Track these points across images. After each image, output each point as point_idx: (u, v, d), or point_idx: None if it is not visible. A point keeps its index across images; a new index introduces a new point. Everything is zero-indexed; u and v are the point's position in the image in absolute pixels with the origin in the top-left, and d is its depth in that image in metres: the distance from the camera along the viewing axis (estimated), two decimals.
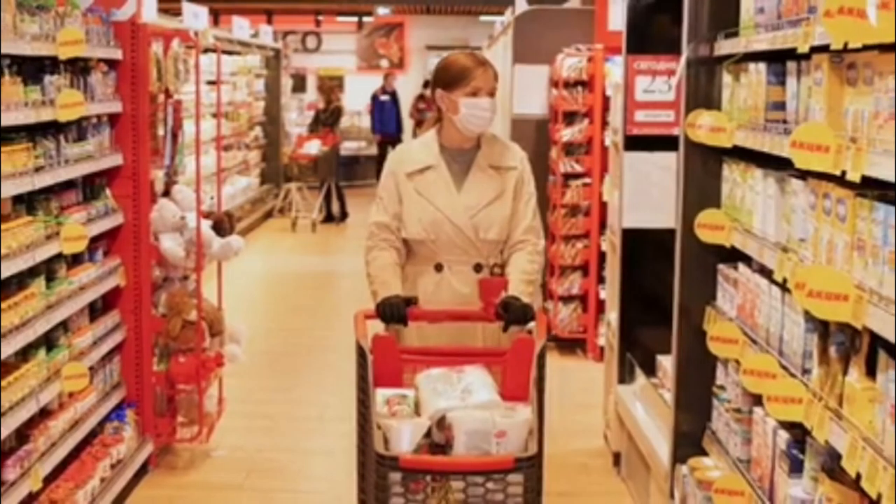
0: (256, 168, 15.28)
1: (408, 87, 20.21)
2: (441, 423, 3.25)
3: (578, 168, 7.88)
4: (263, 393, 7.02)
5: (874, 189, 2.61)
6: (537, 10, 8.45)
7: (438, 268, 3.96)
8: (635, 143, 5.31)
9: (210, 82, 9.87)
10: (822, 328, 2.93)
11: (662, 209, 4.72)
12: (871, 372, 2.64)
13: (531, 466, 3.09)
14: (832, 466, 2.91)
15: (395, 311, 3.72)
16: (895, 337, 2.35)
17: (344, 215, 15.08)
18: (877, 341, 2.60)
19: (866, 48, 2.54)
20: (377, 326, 3.76)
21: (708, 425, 4.06)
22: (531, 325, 3.73)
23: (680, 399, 4.23)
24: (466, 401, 3.29)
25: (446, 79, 3.95)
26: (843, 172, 2.63)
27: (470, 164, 4.01)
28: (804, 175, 3.06)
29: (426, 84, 20.52)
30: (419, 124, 18.85)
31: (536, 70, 8.33)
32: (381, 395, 3.37)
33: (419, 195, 3.96)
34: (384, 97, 18.68)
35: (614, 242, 5.70)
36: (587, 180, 7.84)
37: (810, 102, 3.01)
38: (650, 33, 5.28)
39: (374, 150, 19.23)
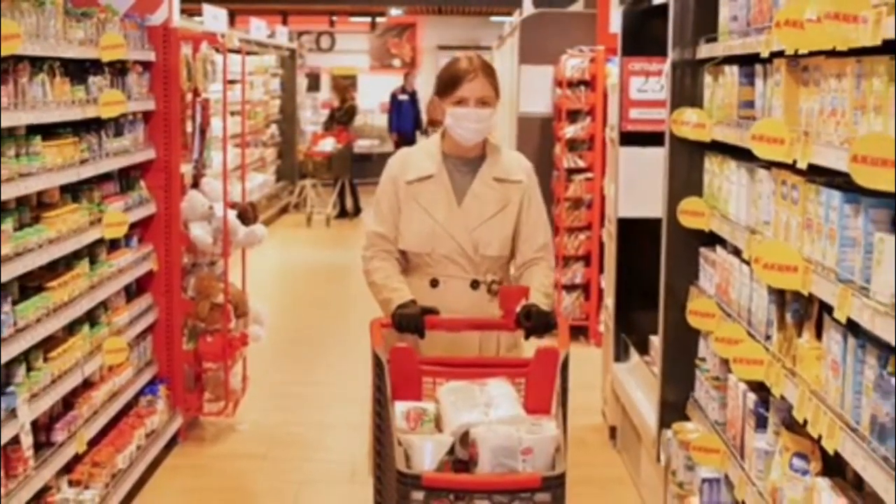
0: (272, 165, 15.71)
1: (419, 87, 20.59)
2: (464, 438, 3.12)
3: (581, 163, 8.30)
4: (284, 373, 7.46)
5: (824, 175, 3.02)
6: (542, 14, 8.87)
7: (434, 283, 3.80)
8: (630, 138, 5.72)
9: (230, 81, 10.27)
10: (781, 298, 3.34)
11: (655, 200, 5.11)
12: (820, 334, 3.05)
13: (559, 485, 2.94)
14: (790, 421, 3.32)
15: (411, 321, 3.58)
16: (833, 302, 2.76)
17: (357, 210, 15.49)
18: (824, 308, 3.00)
19: (814, 53, 2.95)
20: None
21: (691, 394, 4.47)
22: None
23: (666, 371, 4.64)
24: (489, 415, 3.15)
25: (439, 85, 3.84)
26: (795, 161, 3.05)
27: (473, 175, 3.83)
28: (769, 165, 3.47)
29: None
30: (432, 123, 19.28)
31: (541, 70, 8.74)
32: (399, 408, 3.21)
33: (418, 205, 3.80)
34: (403, 96, 19.01)
35: (611, 231, 6.11)
36: (589, 175, 8.26)
37: (773, 101, 3.42)
38: (644, 37, 5.66)
39: (386, 148, 19.62)
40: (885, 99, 2.47)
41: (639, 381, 5.47)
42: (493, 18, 20.00)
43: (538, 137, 8.72)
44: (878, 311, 2.47)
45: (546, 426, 3.13)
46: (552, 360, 3.36)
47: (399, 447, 3.03)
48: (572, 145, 8.36)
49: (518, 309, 3.57)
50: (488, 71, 3.81)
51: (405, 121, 18.88)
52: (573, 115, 8.35)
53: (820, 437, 2.84)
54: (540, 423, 3.15)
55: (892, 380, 2.46)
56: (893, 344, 2.39)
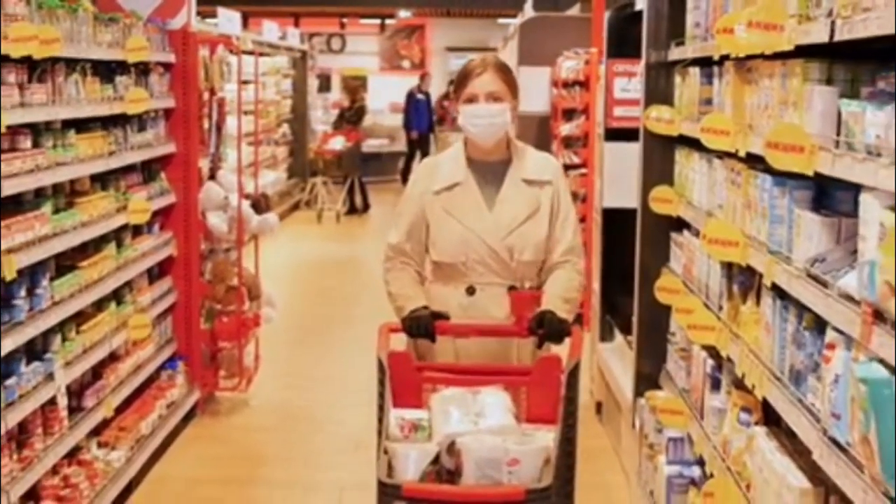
0: (284, 163, 16.17)
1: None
2: (451, 448, 3.05)
3: (576, 159, 8.74)
4: (295, 355, 7.94)
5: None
6: (541, 17, 9.33)
7: (470, 291, 3.72)
8: (614, 134, 6.16)
9: (244, 82, 10.74)
10: (729, 272, 3.79)
11: (636, 191, 5.56)
12: (759, 302, 3.50)
13: (545, 499, 2.85)
14: (739, 382, 3.76)
15: (421, 326, 3.54)
16: (763, 270, 3.21)
17: (366, 207, 15.94)
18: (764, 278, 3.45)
19: (752, 56, 3.40)
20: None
21: (664, 366, 4.92)
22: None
23: (640, 345, 5.09)
24: (479, 424, 3.09)
25: (455, 86, 3.82)
26: (737, 150, 3.49)
27: (501, 179, 3.75)
28: (723, 156, 3.91)
29: (451, 83, 21.35)
30: (441, 121, 19.73)
31: (539, 71, 9.20)
32: (394, 416, 3.18)
33: (448, 215, 3.71)
34: (420, 96, 19.41)
35: (597, 221, 6.55)
36: (583, 170, 8.68)
37: (725, 98, 3.87)
38: (627, 40, 6.08)
39: (395, 148, 20.08)
40: (800, 95, 2.92)
41: (621, 359, 5.92)
42: (500, 20, 20.41)
43: (536, 135, 9.17)
44: (794, 276, 2.92)
45: (538, 437, 3.05)
46: (555, 367, 3.30)
47: (384, 456, 2.99)
48: (568, 142, 8.82)
49: (530, 315, 3.51)
50: (500, 67, 3.76)
51: (422, 120, 19.22)
52: (568, 114, 8.81)
53: (754, 387, 3.29)
54: (531, 433, 3.09)
55: (806, 333, 2.90)
56: (807, 303, 2.84)
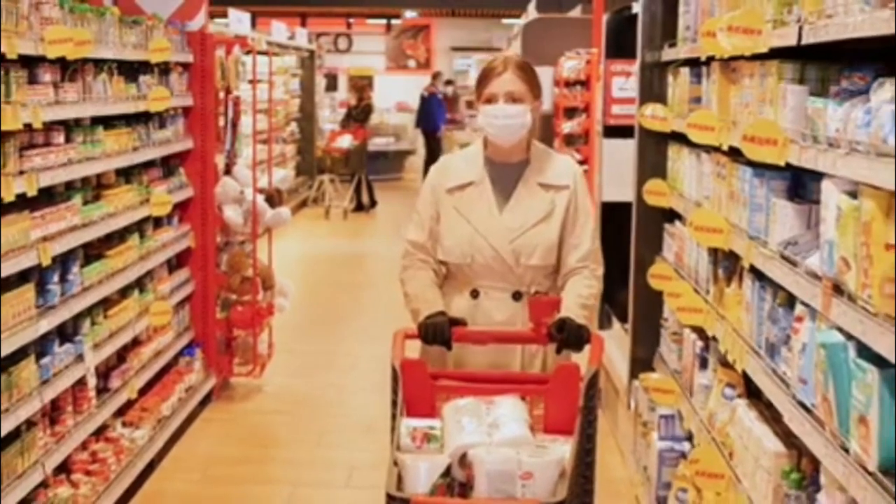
0: (292, 161, 16.47)
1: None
2: (463, 460, 2.95)
3: (577, 156, 9.00)
4: (307, 344, 8.24)
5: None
6: (544, 19, 9.61)
7: (474, 294, 3.66)
8: (612, 131, 6.45)
9: (256, 81, 11.03)
10: (715, 258, 4.07)
11: (632, 185, 5.85)
12: (742, 285, 3.78)
13: None
14: (725, 360, 4.05)
15: (438, 332, 3.43)
16: (743, 253, 3.49)
17: (373, 204, 16.22)
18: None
19: (736, 58, 3.68)
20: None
21: (657, 350, 5.21)
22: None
23: (635, 330, 5.38)
24: (493, 436, 2.98)
25: (476, 85, 3.75)
26: (721, 145, 3.78)
27: (517, 181, 3.68)
28: (710, 150, 4.19)
29: (448, 82, 21.60)
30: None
31: (542, 71, 9.30)
32: (405, 425, 3.07)
33: (458, 214, 3.65)
34: (436, 95, 19.63)
35: (596, 215, 6.83)
36: (585, 167, 8.97)
37: (711, 96, 4.15)
38: (625, 41, 6.37)
39: (401, 146, 20.39)
40: (775, 93, 3.20)
41: (619, 345, 6.20)
42: (505, 21, 20.69)
43: (540, 133, 9.36)
44: (769, 258, 3.21)
45: (553, 449, 2.96)
46: (573, 376, 3.20)
47: (394, 468, 2.90)
48: (569, 140, 9.10)
49: (551, 321, 3.40)
50: (521, 67, 3.68)
51: (433, 118, 19.44)
52: (570, 112, 9.10)
53: (735, 361, 3.58)
54: (546, 445, 2.99)
55: (780, 309, 3.19)
56: (780, 282, 3.12)
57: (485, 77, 3.66)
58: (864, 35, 2.38)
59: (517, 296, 3.63)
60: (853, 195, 2.48)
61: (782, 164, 3.05)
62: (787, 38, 2.99)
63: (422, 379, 3.25)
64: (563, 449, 2.95)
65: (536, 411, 3.24)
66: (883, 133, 2.27)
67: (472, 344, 3.55)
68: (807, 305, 2.83)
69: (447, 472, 2.91)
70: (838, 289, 2.57)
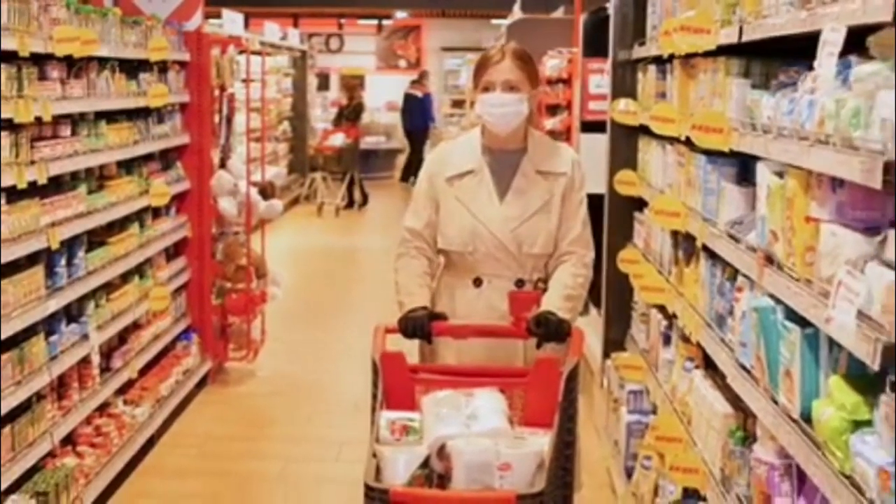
0: (284, 159, 16.75)
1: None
2: (441, 451, 2.96)
3: None
4: (298, 332, 8.56)
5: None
6: (527, 19, 9.93)
7: (477, 282, 3.69)
8: (589, 126, 6.76)
9: (244, 80, 11.33)
10: (675, 240, 4.39)
11: (605, 177, 6.16)
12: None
13: None
14: (686, 336, 4.36)
15: (417, 326, 3.46)
16: (698, 234, 3.81)
17: (365, 201, 16.50)
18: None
19: (693, 55, 4.00)
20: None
21: (629, 331, 5.52)
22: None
23: (608, 313, 5.70)
24: (471, 428, 2.99)
25: (473, 73, 3.75)
26: (680, 135, 4.10)
27: (515, 169, 3.70)
28: (673, 141, 4.51)
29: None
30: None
31: None
32: (385, 418, 3.10)
33: (458, 202, 3.67)
34: (418, 95, 19.85)
35: None
36: None
37: (673, 91, 4.47)
38: (601, 41, 6.67)
39: (392, 145, 20.67)
40: (724, 87, 3.52)
41: (595, 331, 6.51)
42: (494, 21, 20.95)
43: None
44: (717, 236, 3.53)
45: (531, 441, 2.98)
46: (553, 370, 3.21)
47: (373, 459, 2.92)
48: (552, 136, 9.37)
49: (530, 315, 3.44)
50: (519, 55, 3.68)
51: (419, 117, 19.62)
52: (552, 109, 9.39)
53: (691, 334, 3.90)
54: (525, 437, 3.01)
55: (727, 283, 3.51)
56: (726, 258, 3.44)
57: (482, 66, 3.67)
58: (787, 33, 2.70)
59: (520, 283, 3.67)
60: (780, 175, 2.80)
61: (727, 150, 3.38)
62: (731, 37, 3.31)
63: (401, 372, 3.28)
64: (541, 441, 2.96)
65: (520, 406, 3.27)
66: (801, 119, 2.59)
67: (455, 338, 3.60)
68: (746, 277, 3.15)
69: (425, 464, 2.94)
70: (770, 259, 2.89)
